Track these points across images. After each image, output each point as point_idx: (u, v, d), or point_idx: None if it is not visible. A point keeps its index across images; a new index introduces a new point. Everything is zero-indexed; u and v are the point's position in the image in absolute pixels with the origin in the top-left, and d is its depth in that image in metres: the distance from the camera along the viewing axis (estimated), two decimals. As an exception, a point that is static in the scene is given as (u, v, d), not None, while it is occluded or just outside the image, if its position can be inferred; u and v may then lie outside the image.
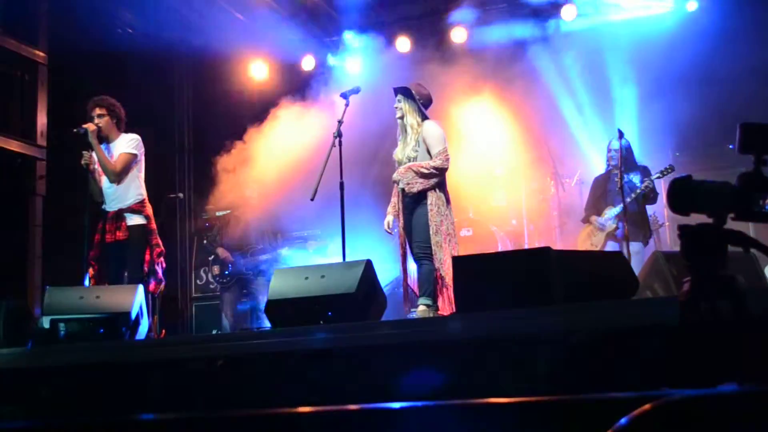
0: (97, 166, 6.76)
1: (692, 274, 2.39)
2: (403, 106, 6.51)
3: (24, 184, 8.93)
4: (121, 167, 6.67)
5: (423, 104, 6.54)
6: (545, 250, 4.10)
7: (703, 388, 1.99)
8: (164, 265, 6.72)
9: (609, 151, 8.22)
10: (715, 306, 2.35)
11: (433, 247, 6.20)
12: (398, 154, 6.57)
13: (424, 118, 6.51)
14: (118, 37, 9.98)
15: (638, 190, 7.90)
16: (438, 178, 6.32)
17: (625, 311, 3.49)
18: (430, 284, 6.19)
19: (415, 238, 6.35)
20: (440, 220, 6.24)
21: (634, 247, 7.79)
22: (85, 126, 6.67)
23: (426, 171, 6.27)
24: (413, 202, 6.39)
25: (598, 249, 7.97)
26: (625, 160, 7.90)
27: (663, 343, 3.01)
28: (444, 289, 6.14)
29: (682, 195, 2.44)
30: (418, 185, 6.28)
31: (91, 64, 9.05)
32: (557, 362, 3.33)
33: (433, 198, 6.28)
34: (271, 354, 4.27)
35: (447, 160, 6.31)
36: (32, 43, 8.99)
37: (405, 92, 6.54)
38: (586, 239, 8.38)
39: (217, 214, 10.23)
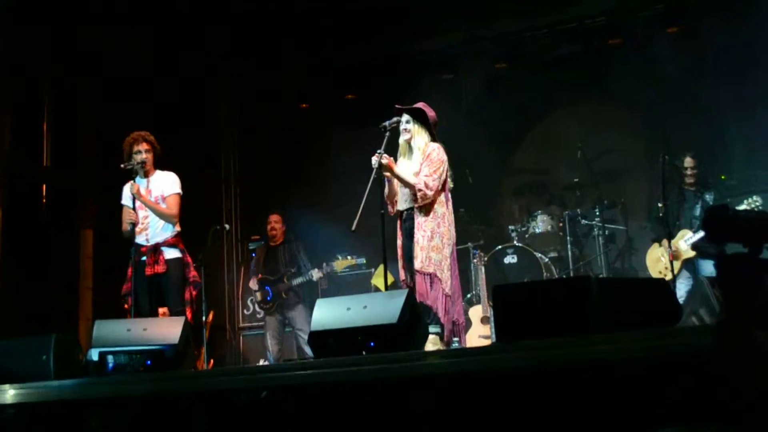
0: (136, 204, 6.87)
1: (728, 301, 2.39)
2: (413, 127, 6.33)
3: (74, 217, 9.13)
4: (177, 210, 6.98)
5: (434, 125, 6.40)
6: (585, 279, 4.09)
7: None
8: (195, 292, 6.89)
9: (684, 168, 7.85)
10: (752, 333, 2.34)
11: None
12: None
13: (432, 139, 6.37)
14: (167, 65, 10.04)
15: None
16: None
17: (665, 340, 3.46)
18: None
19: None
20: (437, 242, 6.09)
21: (709, 268, 7.38)
22: (130, 193, 6.82)
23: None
24: (411, 227, 6.24)
25: (669, 276, 7.45)
26: (701, 177, 7.72)
27: (702, 372, 2.98)
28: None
29: (719, 224, 2.43)
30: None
31: (138, 94, 9.20)
32: (595, 392, 3.31)
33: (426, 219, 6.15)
34: (315, 385, 4.30)
35: (427, 188, 6.09)
36: (82, 74, 9.18)
37: (417, 114, 6.35)
38: (656, 262, 8.05)
39: (252, 245, 10.30)
